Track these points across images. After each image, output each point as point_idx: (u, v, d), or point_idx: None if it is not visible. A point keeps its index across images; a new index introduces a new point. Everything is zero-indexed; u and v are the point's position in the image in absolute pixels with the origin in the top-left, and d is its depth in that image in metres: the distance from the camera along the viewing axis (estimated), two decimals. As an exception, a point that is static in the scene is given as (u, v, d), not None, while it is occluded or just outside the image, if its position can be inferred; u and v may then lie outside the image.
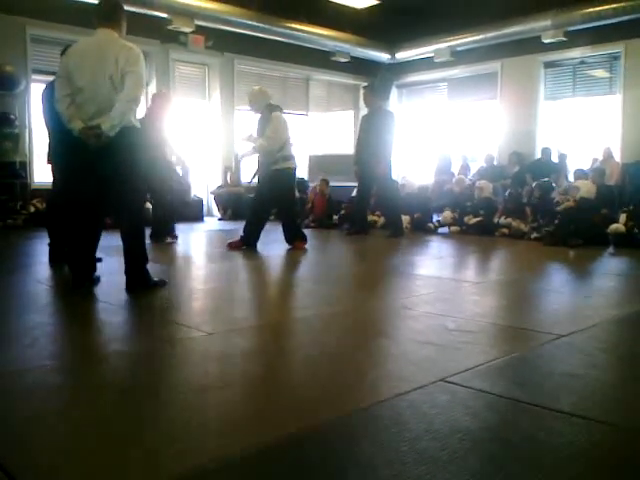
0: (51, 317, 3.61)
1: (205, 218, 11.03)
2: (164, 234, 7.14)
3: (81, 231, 4.16)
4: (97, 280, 4.30)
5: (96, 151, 3.86)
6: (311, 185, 11.23)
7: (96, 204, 4.11)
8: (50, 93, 5.24)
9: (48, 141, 5.35)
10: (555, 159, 11.04)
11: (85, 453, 1.71)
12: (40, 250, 5.79)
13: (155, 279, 4.21)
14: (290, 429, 1.85)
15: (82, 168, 4.05)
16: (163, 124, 7.13)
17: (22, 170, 9.27)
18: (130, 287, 4.07)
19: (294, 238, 6.67)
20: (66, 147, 4.28)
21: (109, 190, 4.03)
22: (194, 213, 10.46)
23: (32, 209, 9.03)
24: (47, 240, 5.41)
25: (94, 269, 4.26)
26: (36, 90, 9.56)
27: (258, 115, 6.75)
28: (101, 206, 4.16)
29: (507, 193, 8.91)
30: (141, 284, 4.10)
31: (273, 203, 6.80)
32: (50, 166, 5.40)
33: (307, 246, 6.67)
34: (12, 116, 9.10)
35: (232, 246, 6.52)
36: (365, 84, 8.89)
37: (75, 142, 3.94)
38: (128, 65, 3.81)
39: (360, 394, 2.20)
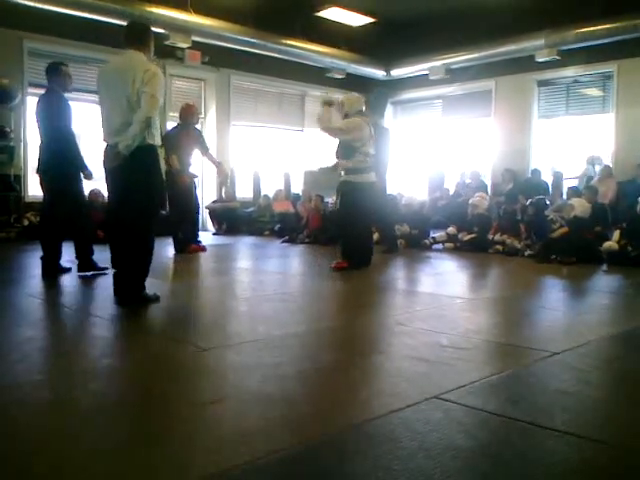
0: (42, 331, 3.59)
1: (200, 232, 11.01)
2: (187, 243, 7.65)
3: (117, 246, 4.22)
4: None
5: (112, 171, 4.03)
6: (300, 201, 11.25)
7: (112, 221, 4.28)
8: (44, 105, 5.30)
9: (39, 153, 5.39)
10: (550, 177, 11.08)
11: (74, 469, 1.70)
12: (33, 264, 5.76)
13: (149, 294, 4.20)
14: (282, 445, 1.84)
15: (108, 187, 4.24)
16: (187, 136, 7.61)
17: (16, 183, 9.25)
18: (122, 301, 4.07)
19: (343, 256, 6.20)
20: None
21: (121, 205, 4.14)
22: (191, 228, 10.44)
23: (26, 222, 8.99)
24: (40, 253, 5.38)
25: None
26: (32, 103, 9.57)
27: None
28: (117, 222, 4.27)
29: (501, 210, 8.94)
30: (135, 297, 4.09)
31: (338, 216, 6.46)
32: (39, 177, 5.42)
33: (301, 262, 6.65)
34: (7, 129, 9.10)
35: (338, 266, 6.12)
36: None
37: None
38: (142, 86, 3.93)
39: (353, 411, 2.19)
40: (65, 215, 5.37)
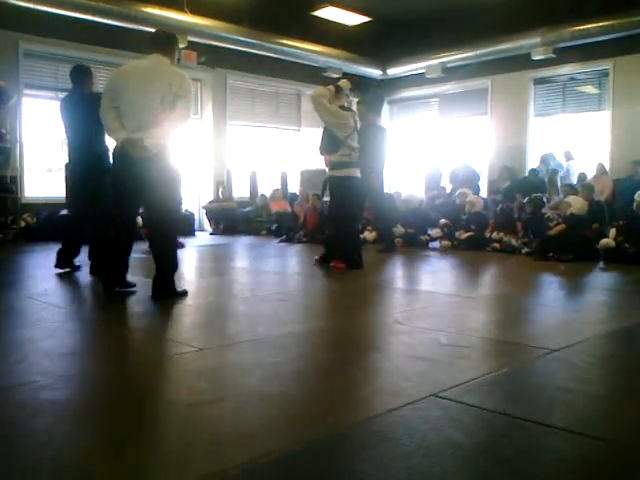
0: (41, 333, 3.58)
1: (197, 233, 11.02)
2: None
3: (118, 241, 4.34)
4: (131, 285, 4.48)
5: (134, 165, 4.07)
6: (297, 200, 11.27)
7: (132, 215, 4.39)
8: (75, 105, 5.35)
9: (70, 153, 5.50)
10: (563, 160, 11.15)
11: (73, 470, 1.70)
12: (31, 265, 5.76)
13: (179, 289, 4.39)
14: (281, 445, 1.84)
15: (122, 181, 4.27)
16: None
17: (13, 184, 9.24)
18: (155, 295, 4.24)
19: (337, 255, 6.14)
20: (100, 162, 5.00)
21: (146, 202, 4.29)
22: (186, 228, 10.44)
23: (23, 224, 8.98)
24: (42, 253, 5.43)
25: (124, 276, 4.41)
26: (28, 105, 9.57)
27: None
28: (135, 216, 4.46)
29: (499, 208, 8.95)
30: (166, 292, 4.27)
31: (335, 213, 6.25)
32: (71, 177, 5.54)
33: (299, 261, 6.65)
34: (3, 130, 9.08)
35: (337, 267, 6.08)
36: (358, 99, 8.93)
37: (116, 157, 4.24)
38: (181, 90, 4.11)
39: (352, 409, 2.19)
40: (94, 216, 5.44)
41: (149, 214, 4.36)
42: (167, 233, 4.34)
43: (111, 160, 4.42)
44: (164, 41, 4.35)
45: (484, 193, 11.65)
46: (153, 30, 9.74)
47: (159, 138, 4.04)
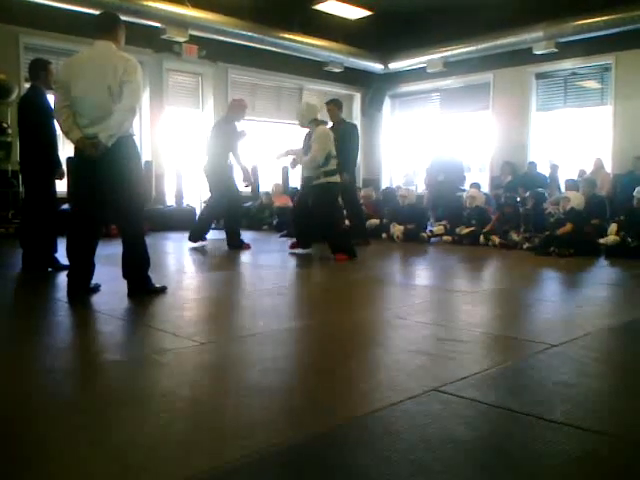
0: (41, 326, 3.58)
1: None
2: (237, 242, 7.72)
3: (78, 240, 4.16)
4: (96, 288, 4.31)
5: (94, 160, 3.93)
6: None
7: (94, 212, 4.15)
8: (24, 104, 5.35)
9: (20, 148, 5.45)
10: (547, 170, 11.10)
11: (72, 467, 1.70)
12: (31, 259, 5.74)
13: (156, 285, 4.27)
14: (282, 438, 1.84)
15: (81, 177, 4.14)
16: (236, 130, 7.93)
17: (14, 179, 9.22)
18: (131, 292, 4.13)
19: (336, 250, 6.54)
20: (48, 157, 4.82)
21: (108, 198, 4.10)
22: (187, 222, 10.41)
23: (24, 218, 8.96)
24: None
25: (90, 278, 4.24)
26: (29, 99, 9.55)
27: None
28: (99, 214, 4.20)
29: (503, 199, 8.96)
30: (142, 289, 4.16)
31: (316, 216, 6.74)
32: (22, 173, 5.46)
33: (300, 256, 6.65)
34: (4, 124, 9.06)
35: (291, 247, 7.24)
36: (329, 100, 8.91)
37: (75, 157, 4.10)
38: (126, 75, 3.90)
39: (352, 404, 2.19)
40: (43, 213, 5.39)
41: (115, 210, 4.16)
42: (135, 225, 4.19)
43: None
44: (107, 25, 4.12)
45: (485, 188, 11.63)
46: (154, 24, 9.66)
47: (113, 129, 3.86)
